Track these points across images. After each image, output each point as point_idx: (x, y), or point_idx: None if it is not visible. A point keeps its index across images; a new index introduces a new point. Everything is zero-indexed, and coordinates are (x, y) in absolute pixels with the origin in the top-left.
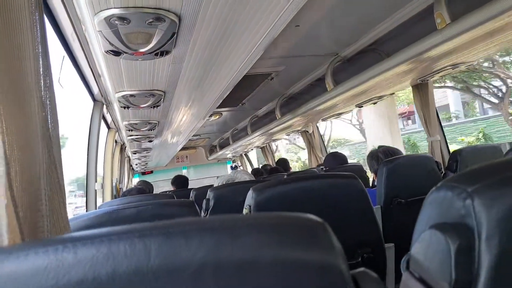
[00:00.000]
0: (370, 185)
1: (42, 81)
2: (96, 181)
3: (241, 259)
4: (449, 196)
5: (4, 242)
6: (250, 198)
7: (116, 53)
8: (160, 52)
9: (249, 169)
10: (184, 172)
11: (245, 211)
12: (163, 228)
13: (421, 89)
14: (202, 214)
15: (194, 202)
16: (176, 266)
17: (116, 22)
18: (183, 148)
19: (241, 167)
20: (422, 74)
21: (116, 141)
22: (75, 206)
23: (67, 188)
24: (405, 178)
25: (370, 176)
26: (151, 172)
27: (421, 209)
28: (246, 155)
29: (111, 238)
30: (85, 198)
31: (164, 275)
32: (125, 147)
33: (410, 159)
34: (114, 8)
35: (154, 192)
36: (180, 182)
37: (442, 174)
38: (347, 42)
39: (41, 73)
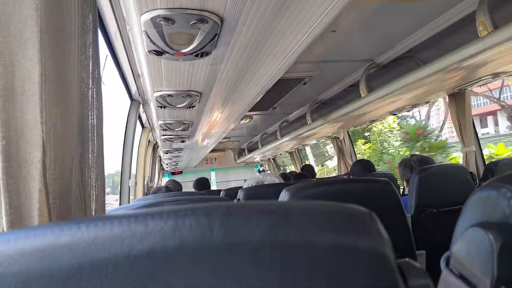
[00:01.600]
0: (401, 193)
1: (90, 76)
2: (130, 178)
3: (296, 240)
4: (493, 195)
5: (34, 224)
6: (283, 198)
7: (158, 53)
8: (201, 53)
9: (276, 174)
10: (212, 174)
11: None
12: (225, 207)
13: (458, 98)
14: None
15: (229, 199)
16: (236, 242)
17: (161, 22)
18: (213, 150)
19: (268, 171)
20: (459, 83)
21: (149, 141)
22: None
23: None
24: (437, 187)
25: (401, 185)
26: (181, 172)
27: (463, 209)
28: (274, 159)
29: (177, 214)
30: (108, 196)
31: (225, 249)
32: (158, 146)
33: (443, 169)
34: (160, 8)
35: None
36: (202, 184)
37: (477, 186)
38: (383, 48)
39: (90, 68)
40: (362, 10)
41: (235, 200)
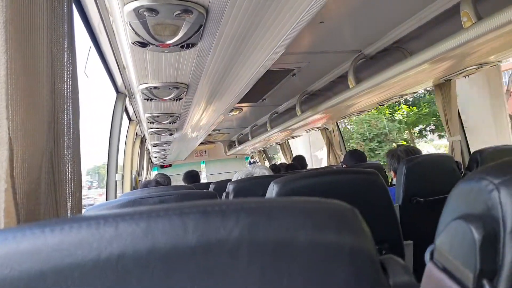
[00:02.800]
0: (389, 183)
1: (65, 69)
2: (116, 172)
3: (276, 239)
4: (476, 187)
5: (0, 226)
6: (271, 191)
7: (143, 44)
8: (186, 44)
9: (267, 165)
10: (202, 166)
11: None
12: (200, 206)
13: (444, 89)
14: None
15: (216, 194)
16: (212, 243)
17: (145, 13)
18: (202, 143)
19: (259, 163)
20: (445, 73)
21: (136, 134)
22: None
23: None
24: (424, 177)
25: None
26: (170, 165)
27: (446, 201)
28: (264, 151)
29: (150, 215)
30: (91, 191)
31: (201, 251)
32: (145, 139)
33: (430, 159)
34: None
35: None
36: (191, 177)
37: (462, 175)
38: (370, 39)
39: (65, 61)
40: (350, 1)
41: (224, 194)
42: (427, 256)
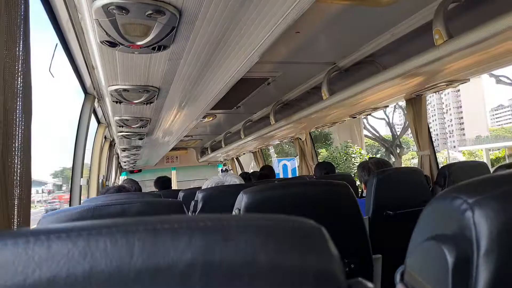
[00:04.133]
0: (359, 195)
1: (16, 68)
2: (82, 177)
3: (233, 262)
4: (448, 206)
5: None
6: (240, 201)
7: (112, 44)
8: (158, 46)
9: (240, 174)
10: (173, 173)
11: (234, 214)
12: (149, 224)
13: (415, 104)
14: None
15: (182, 202)
16: (161, 266)
17: (114, 11)
18: (174, 149)
19: (232, 171)
20: (416, 89)
21: (105, 137)
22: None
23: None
24: (394, 190)
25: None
26: (140, 171)
27: (418, 220)
28: (237, 159)
29: (90, 232)
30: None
31: (147, 275)
32: (115, 143)
33: (400, 172)
34: None
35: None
36: (162, 182)
37: (431, 189)
38: (345, 52)
39: (16, 58)
40: (326, 13)
41: (192, 202)
42: (397, 277)
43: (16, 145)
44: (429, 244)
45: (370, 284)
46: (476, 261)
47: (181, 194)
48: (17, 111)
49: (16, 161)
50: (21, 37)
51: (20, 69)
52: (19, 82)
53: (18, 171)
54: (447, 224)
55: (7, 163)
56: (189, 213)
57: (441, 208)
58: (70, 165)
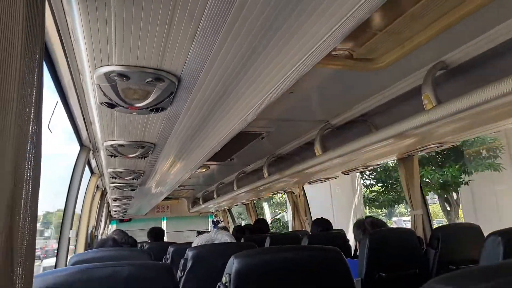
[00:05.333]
0: (353, 255)
1: (30, 127)
2: (71, 229)
3: None
4: None
5: None
6: (231, 265)
7: (111, 105)
8: (156, 108)
9: (231, 225)
10: (163, 223)
11: (224, 279)
12: None
13: (407, 163)
14: (179, 274)
15: (171, 267)
16: None
17: (116, 78)
18: (166, 198)
19: (223, 223)
20: (408, 149)
21: (97, 187)
22: None
23: None
24: (387, 251)
25: (352, 245)
26: (129, 220)
27: None
28: (229, 210)
29: None
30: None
31: None
32: (106, 193)
33: (393, 233)
34: (116, 65)
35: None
36: (156, 233)
37: (424, 250)
38: (337, 111)
39: (31, 119)
40: (320, 75)
41: (182, 261)
42: None
43: (23, 209)
44: None
45: None
46: None
47: (170, 250)
48: (28, 157)
49: (23, 207)
50: (35, 84)
51: (32, 131)
52: (32, 144)
53: (27, 218)
54: None
55: (15, 210)
56: (178, 271)
57: None
58: (53, 209)
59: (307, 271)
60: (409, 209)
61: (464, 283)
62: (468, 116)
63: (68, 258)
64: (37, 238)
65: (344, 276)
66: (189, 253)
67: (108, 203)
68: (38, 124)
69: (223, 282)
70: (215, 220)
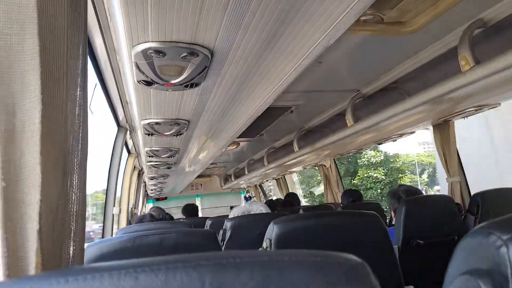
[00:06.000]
0: (388, 224)
1: (76, 111)
2: (114, 206)
3: None
4: (484, 242)
5: (31, 266)
6: (271, 231)
7: (148, 83)
8: (190, 84)
9: (263, 200)
10: (197, 200)
11: (265, 244)
12: (216, 259)
13: (443, 129)
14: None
15: (215, 233)
16: None
17: (152, 54)
18: (198, 176)
19: (255, 198)
20: (443, 114)
21: (134, 167)
22: None
23: None
24: (424, 219)
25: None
26: (165, 198)
27: (453, 254)
28: (260, 186)
29: (168, 266)
30: None
31: None
32: (143, 172)
33: (430, 200)
34: (152, 41)
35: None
36: (190, 210)
37: (463, 217)
38: (368, 79)
39: (77, 102)
40: (348, 43)
41: (221, 231)
42: None
43: (75, 183)
44: (465, 278)
45: None
46: None
47: (208, 222)
48: (76, 155)
49: (74, 198)
50: (80, 84)
51: (79, 115)
52: (79, 127)
53: (75, 208)
54: (482, 259)
55: (67, 201)
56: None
57: (476, 244)
58: (90, 191)
59: (346, 236)
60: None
61: None
62: (509, 76)
63: (114, 231)
64: None
65: (383, 240)
66: (228, 224)
67: (145, 182)
68: (84, 107)
69: (264, 247)
70: (247, 196)
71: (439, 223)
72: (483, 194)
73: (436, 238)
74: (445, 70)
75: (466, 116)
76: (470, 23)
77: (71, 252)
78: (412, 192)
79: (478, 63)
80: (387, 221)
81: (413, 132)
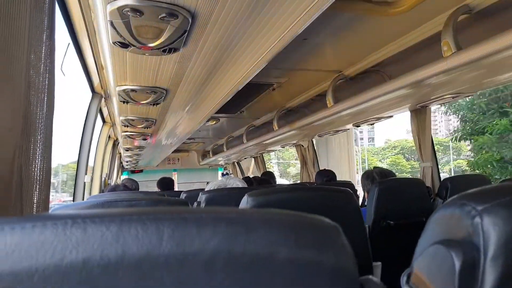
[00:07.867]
0: (361, 204)
1: (42, 62)
2: (86, 174)
3: (254, 253)
4: (457, 213)
5: None
6: (244, 203)
7: (124, 45)
8: (169, 49)
9: (240, 178)
10: (174, 174)
11: None
12: (177, 213)
13: (419, 115)
14: None
15: (188, 202)
16: (187, 253)
17: (129, 13)
18: (176, 151)
19: (232, 175)
20: (421, 100)
21: (109, 136)
22: None
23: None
24: (395, 200)
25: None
26: (141, 171)
27: (426, 225)
28: (238, 163)
29: (123, 218)
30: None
31: (175, 261)
32: (118, 143)
33: (402, 182)
34: None
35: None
36: (166, 183)
37: (432, 200)
38: (352, 60)
39: (42, 57)
40: (334, 21)
41: (195, 203)
42: (403, 279)
43: (38, 139)
44: (436, 248)
45: (378, 282)
46: (483, 266)
47: (183, 195)
48: (41, 106)
49: (38, 154)
50: (46, 34)
51: (45, 66)
52: (44, 78)
53: (39, 164)
54: (455, 230)
55: (29, 156)
56: None
57: (449, 214)
58: (64, 161)
59: (319, 211)
60: None
61: (489, 197)
62: (488, 64)
63: (85, 199)
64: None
65: (356, 217)
66: (203, 197)
67: (120, 153)
68: (51, 62)
69: None
70: (224, 173)
71: (410, 205)
72: (452, 179)
73: (406, 220)
74: (428, 55)
75: (443, 103)
76: (456, 8)
77: (34, 211)
78: (385, 174)
79: (459, 49)
80: (360, 201)
81: (391, 116)
